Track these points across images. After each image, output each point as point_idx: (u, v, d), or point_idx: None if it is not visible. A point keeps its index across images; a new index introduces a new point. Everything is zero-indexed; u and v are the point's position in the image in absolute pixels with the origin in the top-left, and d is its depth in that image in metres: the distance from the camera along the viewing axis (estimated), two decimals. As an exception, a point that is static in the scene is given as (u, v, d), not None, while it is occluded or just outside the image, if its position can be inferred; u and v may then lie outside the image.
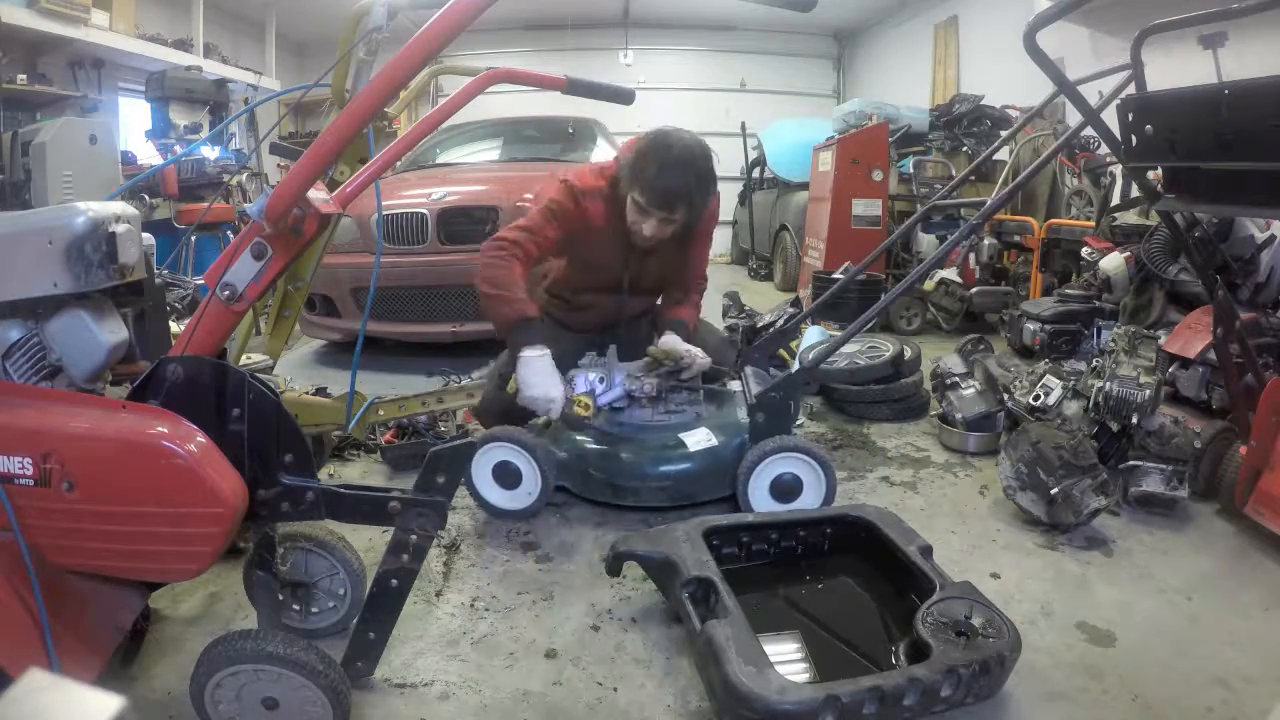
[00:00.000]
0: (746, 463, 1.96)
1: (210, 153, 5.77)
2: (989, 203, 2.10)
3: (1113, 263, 3.48)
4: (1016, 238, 4.72)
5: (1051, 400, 2.37)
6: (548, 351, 1.94)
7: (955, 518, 2.05)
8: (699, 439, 2.04)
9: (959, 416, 2.56)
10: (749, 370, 2.39)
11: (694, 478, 2.01)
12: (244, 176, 6.27)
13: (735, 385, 2.37)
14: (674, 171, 2.01)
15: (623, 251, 2.23)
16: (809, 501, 1.99)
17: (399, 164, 4.20)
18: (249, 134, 7.51)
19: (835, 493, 2.00)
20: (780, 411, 2.05)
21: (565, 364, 2.02)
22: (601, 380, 2.05)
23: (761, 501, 1.97)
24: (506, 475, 2.01)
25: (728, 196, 8.98)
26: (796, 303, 3.64)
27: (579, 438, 2.10)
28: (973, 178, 5.22)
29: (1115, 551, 1.85)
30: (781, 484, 1.98)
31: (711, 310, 4.20)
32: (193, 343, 1.17)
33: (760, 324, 3.03)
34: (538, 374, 1.91)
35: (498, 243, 2.04)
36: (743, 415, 2.14)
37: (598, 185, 2.18)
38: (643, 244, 2.16)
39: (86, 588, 1.19)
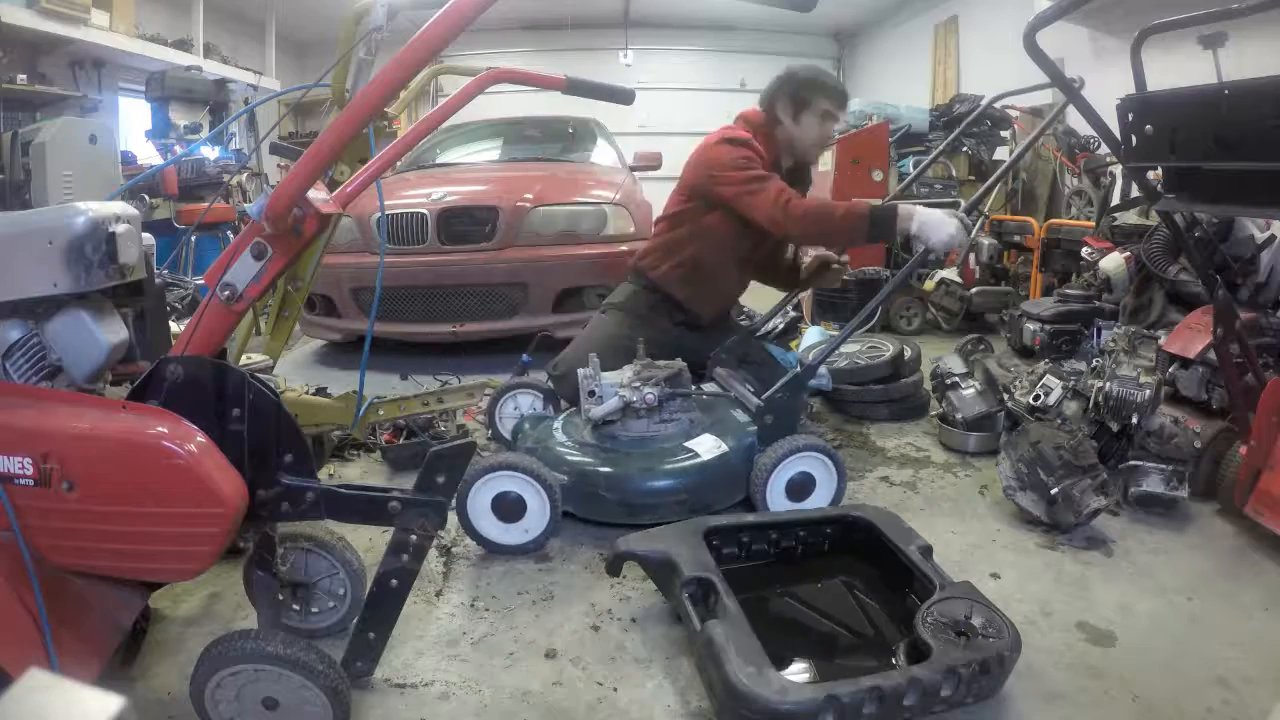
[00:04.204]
0: (764, 465, 1.94)
1: (210, 153, 5.77)
2: (963, 204, 2.10)
3: (1113, 263, 3.48)
4: (1016, 238, 4.71)
5: (1051, 400, 2.37)
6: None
7: (955, 518, 2.05)
8: (709, 446, 1.98)
9: (959, 416, 2.56)
10: (723, 372, 2.39)
11: (711, 486, 1.95)
12: (244, 176, 6.27)
13: (710, 387, 2.35)
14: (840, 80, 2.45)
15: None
16: (821, 498, 2.00)
17: (399, 164, 4.20)
18: (249, 134, 7.51)
19: (845, 488, 2.02)
20: (787, 411, 2.05)
21: (620, 359, 2.12)
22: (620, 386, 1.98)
23: (778, 502, 1.97)
24: (507, 506, 1.83)
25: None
26: (797, 305, 3.64)
27: (575, 458, 1.98)
28: (973, 178, 5.24)
29: (1115, 551, 1.85)
30: (797, 483, 1.98)
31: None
32: (193, 343, 1.17)
33: (764, 329, 3.02)
34: (934, 216, 2.02)
35: (780, 194, 2.19)
36: (739, 417, 2.13)
37: (748, 133, 2.38)
38: (814, 157, 2.49)
39: (86, 588, 1.18)
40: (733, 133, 2.38)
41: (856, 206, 2.14)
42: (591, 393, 1.99)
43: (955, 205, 2.12)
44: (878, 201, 2.21)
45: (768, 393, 2.06)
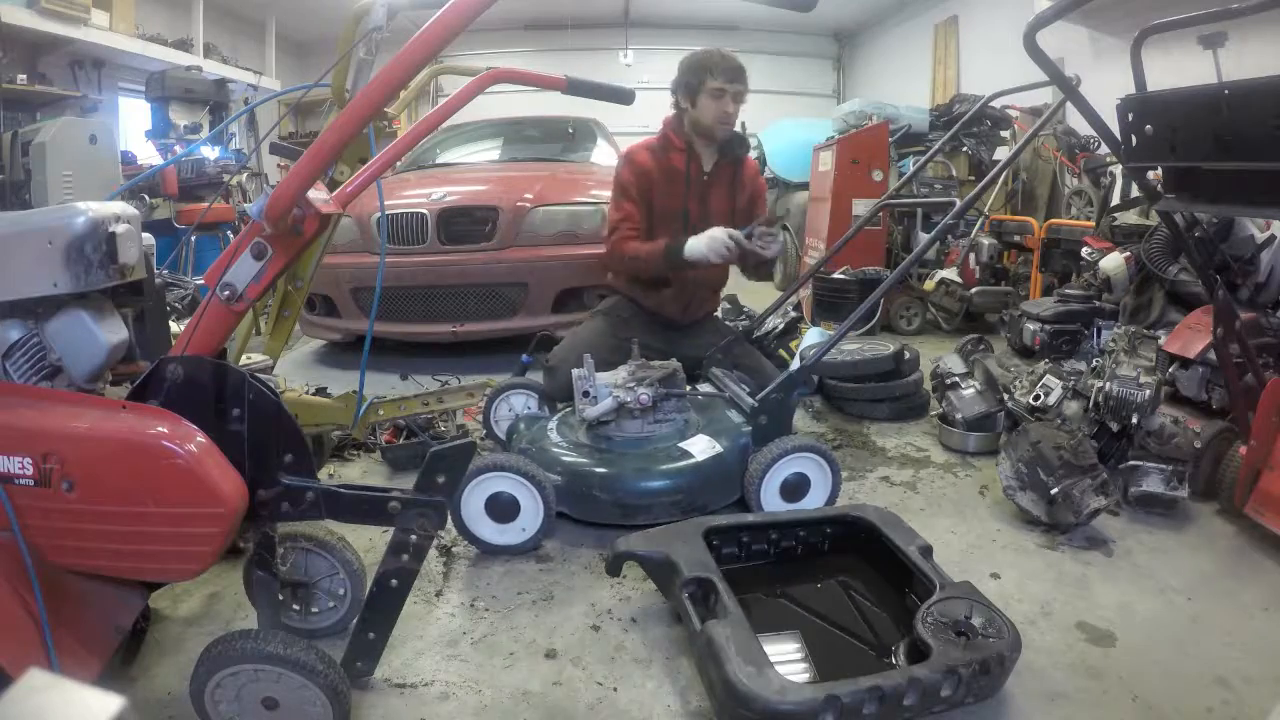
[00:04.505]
0: (758, 466, 1.94)
1: (210, 153, 5.77)
2: (958, 203, 2.10)
3: (1113, 263, 3.48)
4: (1016, 238, 4.71)
5: (1051, 400, 2.37)
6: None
7: (955, 518, 2.05)
8: (703, 447, 1.98)
9: (959, 416, 2.56)
10: (719, 372, 2.39)
11: (705, 487, 1.95)
12: (244, 176, 6.28)
13: (705, 387, 2.35)
14: (727, 54, 2.49)
15: (684, 186, 2.55)
16: (816, 499, 2.00)
17: (399, 164, 4.21)
18: (249, 134, 7.51)
19: (840, 489, 2.02)
20: (782, 412, 2.05)
21: (614, 356, 2.17)
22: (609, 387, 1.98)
23: (772, 502, 1.97)
24: (500, 507, 1.83)
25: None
26: (797, 305, 3.64)
27: (570, 459, 1.97)
28: (972, 178, 5.24)
29: (1115, 551, 1.85)
30: (791, 484, 1.98)
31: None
32: (193, 343, 1.17)
33: (764, 330, 3.02)
34: (702, 239, 2.34)
35: (610, 239, 2.56)
36: (734, 417, 2.13)
37: (645, 143, 2.61)
38: (724, 134, 2.53)
39: (86, 588, 1.19)
40: (628, 152, 2.62)
41: (653, 249, 2.46)
42: (586, 393, 1.99)
43: (951, 205, 2.12)
44: (668, 241, 2.48)
45: (762, 393, 2.06)
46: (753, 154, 7.91)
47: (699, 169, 2.56)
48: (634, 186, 2.54)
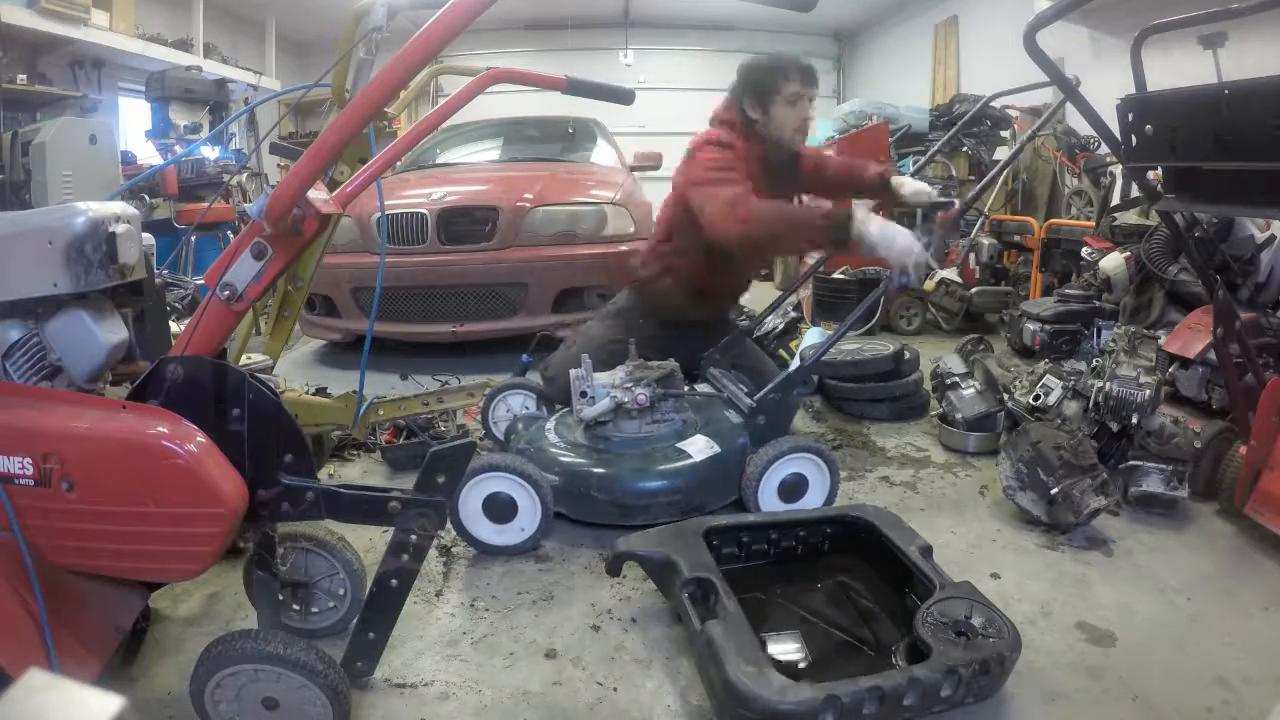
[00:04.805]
0: (756, 466, 1.94)
1: (210, 153, 5.76)
2: (957, 204, 2.10)
3: (1113, 263, 3.48)
4: (1016, 238, 4.71)
5: (1051, 400, 2.37)
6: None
7: (955, 518, 2.05)
8: (700, 447, 1.98)
9: (959, 416, 2.56)
10: (716, 372, 2.38)
11: (703, 487, 1.95)
12: (244, 176, 6.28)
13: (702, 387, 2.34)
14: (798, 56, 2.32)
15: (771, 180, 2.28)
16: (814, 499, 2.00)
17: (399, 164, 4.21)
18: (249, 134, 7.51)
19: (838, 489, 2.02)
20: (780, 412, 2.05)
21: (611, 361, 2.11)
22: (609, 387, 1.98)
23: (770, 502, 1.97)
24: (498, 507, 1.83)
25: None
26: (797, 305, 3.64)
27: (568, 459, 1.97)
28: (972, 178, 5.24)
29: (1115, 551, 1.85)
30: (789, 484, 1.98)
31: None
32: (193, 343, 1.17)
33: (765, 330, 3.01)
34: (894, 227, 1.88)
35: (734, 197, 2.04)
36: (732, 418, 2.13)
37: (727, 122, 2.33)
38: (799, 144, 2.34)
39: (86, 588, 1.19)
40: (715, 135, 2.30)
41: (815, 206, 2.11)
42: (584, 393, 1.98)
43: (952, 205, 2.12)
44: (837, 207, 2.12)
45: (760, 393, 2.06)
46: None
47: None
48: (740, 166, 2.19)
